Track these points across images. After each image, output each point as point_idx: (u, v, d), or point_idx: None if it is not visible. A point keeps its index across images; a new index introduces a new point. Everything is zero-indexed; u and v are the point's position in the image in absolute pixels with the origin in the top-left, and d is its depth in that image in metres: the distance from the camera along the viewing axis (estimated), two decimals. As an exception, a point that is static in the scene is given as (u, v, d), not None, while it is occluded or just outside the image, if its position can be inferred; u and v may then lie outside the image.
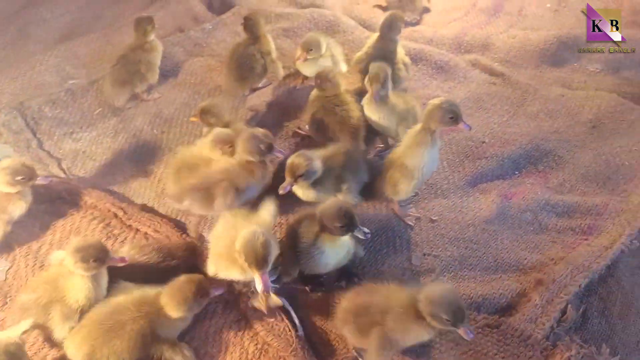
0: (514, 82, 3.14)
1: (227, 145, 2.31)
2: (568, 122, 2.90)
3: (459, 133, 2.82)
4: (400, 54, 2.94)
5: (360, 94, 2.92)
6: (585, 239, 2.32)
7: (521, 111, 2.98)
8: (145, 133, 2.85)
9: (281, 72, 3.01)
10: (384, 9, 3.65)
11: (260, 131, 2.27)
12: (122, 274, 2.02)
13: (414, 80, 3.14)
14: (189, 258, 2.18)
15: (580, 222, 2.40)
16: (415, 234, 2.37)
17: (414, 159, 2.26)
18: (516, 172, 2.66)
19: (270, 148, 2.24)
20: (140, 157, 2.74)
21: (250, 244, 1.82)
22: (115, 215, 2.39)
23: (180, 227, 2.39)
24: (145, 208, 2.48)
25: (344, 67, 3.01)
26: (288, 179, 2.12)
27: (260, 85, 3.07)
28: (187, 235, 2.33)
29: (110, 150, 2.76)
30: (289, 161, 2.12)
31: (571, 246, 2.30)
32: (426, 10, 3.78)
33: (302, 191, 2.23)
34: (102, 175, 2.65)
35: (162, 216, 2.43)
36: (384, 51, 2.88)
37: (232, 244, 1.87)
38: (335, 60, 2.94)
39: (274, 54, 2.97)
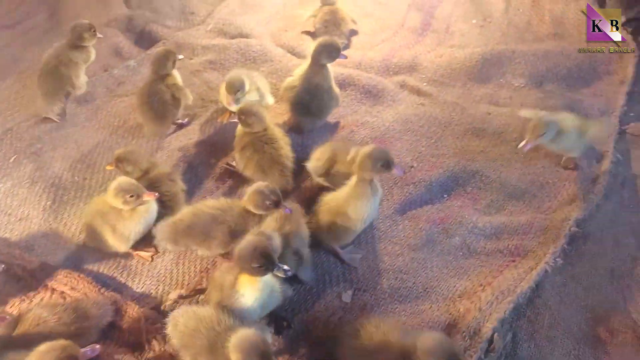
0: (442, 102, 3.16)
1: (129, 194, 2.23)
2: (493, 141, 2.93)
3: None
4: (331, 83, 2.92)
5: (291, 126, 2.93)
6: (513, 261, 2.33)
7: (449, 132, 2.99)
8: (65, 180, 2.72)
9: (190, 98, 2.95)
10: (312, 35, 3.64)
11: (268, 186, 2.24)
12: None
13: (342, 107, 3.11)
14: (107, 316, 2.09)
15: (508, 243, 2.41)
16: (345, 269, 2.33)
17: (356, 210, 2.25)
18: (445, 196, 2.66)
19: (277, 204, 2.22)
20: (60, 207, 2.61)
21: (253, 350, 1.71)
22: (32, 275, 2.27)
23: (101, 281, 2.29)
24: (64, 264, 2.36)
25: (270, 100, 2.97)
26: None
27: (182, 121, 3.00)
28: (107, 289, 2.24)
29: (27, 202, 2.62)
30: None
31: (499, 269, 2.29)
32: (354, 32, 3.78)
33: None
34: (17, 230, 2.51)
35: (82, 271, 2.32)
36: (313, 80, 2.85)
37: None
38: (261, 93, 2.90)
39: (180, 83, 2.93)
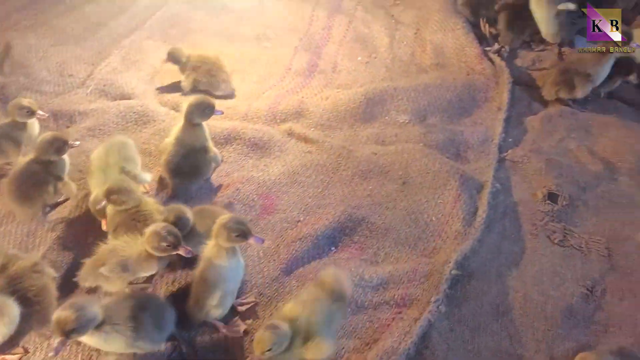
0: (328, 147, 3.13)
1: None
2: (380, 182, 2.93)
3: (274, 215, 2.77)
4: (207, 142, 2.84)
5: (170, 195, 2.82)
6: (399, 312, 2.30)
7: (336, 178, 2.98)
8: None
9: (73, 193, 2.76)
10: (195, 90, 3.53)
11: (166, 228, 2.16)
12: None
13: (228, 163, 3.04)
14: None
15: (394, 293, 2.38)
16: (229, 344, 2.23)
17: (213, 275, 2.15)
18: (332, 248, 2.62)
19: (175, 246, 2.15)
20: None
21: None
22: None
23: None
24: None
25: (147, 177, 2.80)
26: (59, 338, 1.86)
27: (59, 199, 2.82)
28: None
29: None
30: (54, 316, 1.89)
31: (385, 324, 2.26)
32: (240, 78, 3.70)
33: (88, 339, 2.01)
34: None
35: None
36: (186, 141, 2.77)
37: None
38: (132, 175, 2.69)
39: (66, 175, 2.74)
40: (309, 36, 4.10)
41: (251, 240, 2.13)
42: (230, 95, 3.59)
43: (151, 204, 2.53)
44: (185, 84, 3.53)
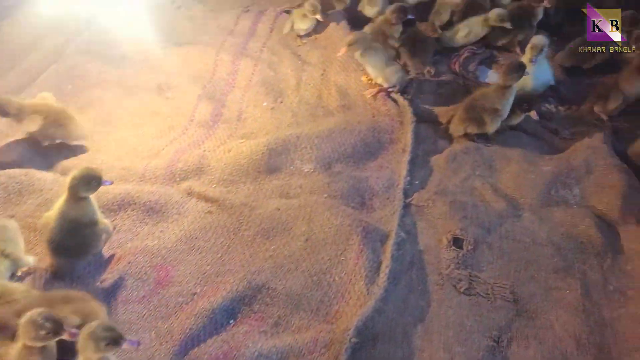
0: (229, 206, 2.98)
1: None
2: (284, 240, 2.80)
3: (169, 289, 2.58)
4: (94, 215, 2.64)
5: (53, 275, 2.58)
6: (299, 390, 2.17)
7: (237, 240, 2.82)
8: None
9: None
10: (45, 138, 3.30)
11: (42, 314, 1.95)
12: None
13: (121, 232, 2.84)
14: None
15: (293, 368, 2.25)
16: None
17: None
18: (231, 321, 2.45)
19: (56, 332, 1.97)
20: None
21: None
22: None
23: None
24: None
25: (30, 261, 2.58)
26: None
27: None
28: None
29: None
30: None
31: (284, 406, 2.12)
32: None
33: None
34: None
35: None
36: (70, 216, 2.58)
37: None
38: (14, 257, 2.50)
39: None
40: (213, 83, 3.96)
41: (125, 346, 1.96)
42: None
43: (19, 291, 2.30)
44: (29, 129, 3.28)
